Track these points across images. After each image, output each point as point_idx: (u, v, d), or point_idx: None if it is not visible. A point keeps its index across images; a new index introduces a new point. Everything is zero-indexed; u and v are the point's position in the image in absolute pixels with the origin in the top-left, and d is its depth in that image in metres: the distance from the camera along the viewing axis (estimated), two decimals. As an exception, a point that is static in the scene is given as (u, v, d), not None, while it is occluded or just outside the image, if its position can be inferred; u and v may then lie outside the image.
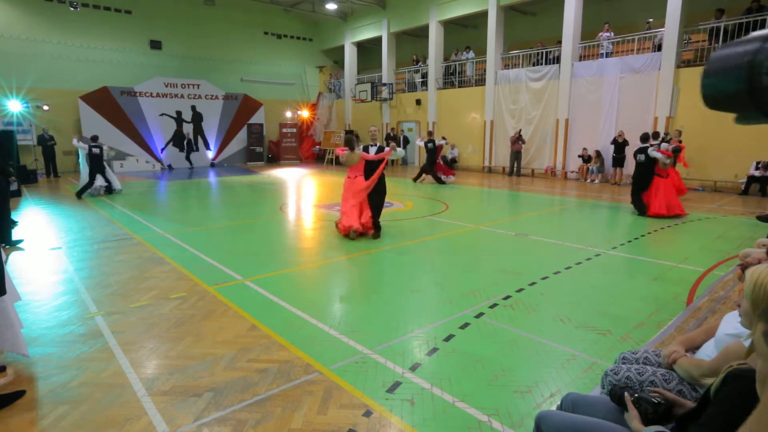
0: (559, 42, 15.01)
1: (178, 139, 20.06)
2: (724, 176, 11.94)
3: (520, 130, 15.82)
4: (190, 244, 6.65)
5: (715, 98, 1.18)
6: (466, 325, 3.82)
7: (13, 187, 8.98)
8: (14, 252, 6.27)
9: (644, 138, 8.90)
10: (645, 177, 8.77)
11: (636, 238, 6.90)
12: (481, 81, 17.57)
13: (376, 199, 6.96)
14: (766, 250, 3.30)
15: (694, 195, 11.41)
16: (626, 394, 1.66)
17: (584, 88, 14.41)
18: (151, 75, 19.22)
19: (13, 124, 15.88)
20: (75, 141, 12.12)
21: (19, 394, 2.77)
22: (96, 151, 11.13)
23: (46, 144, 15.97)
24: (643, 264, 5.66)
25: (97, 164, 11.23)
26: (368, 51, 23.99)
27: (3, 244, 6.41)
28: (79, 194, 11.17)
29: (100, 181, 11.53)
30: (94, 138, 11.38)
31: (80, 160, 12.24)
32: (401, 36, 21.27)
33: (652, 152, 8.59)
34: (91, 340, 3.59)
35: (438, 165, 13.97)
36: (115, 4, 18.42)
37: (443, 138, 14.57)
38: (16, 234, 6.98)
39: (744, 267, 2.96)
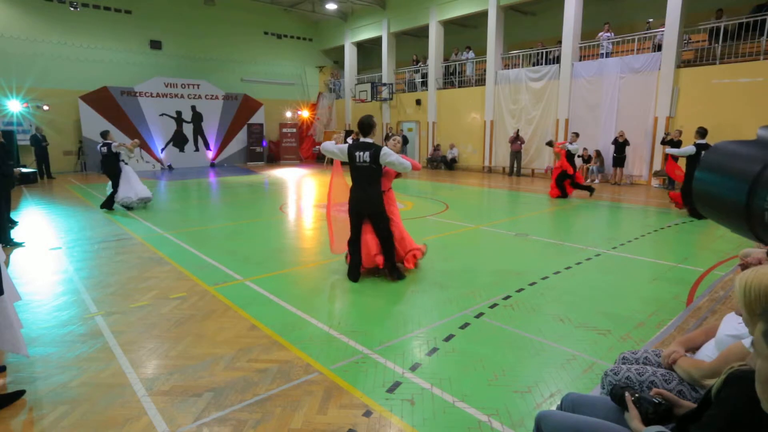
0: (559, 42, 15.01)
1: (178, 139, 20.09)
2: (724, 176, 11.94)
3: (518, 129, 15.84)
4: (190, 244, 6.65)
5: (705, 198, 0.95)
6: (466, 325, 3.82)
7: (27, 169, 8.30)
8: (14, 252, 6.27)
9: (704, 133, 8.80)
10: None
11: (636, 238, 6.89)
12: (481, 81, 17.56)
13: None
14: (767, 250, 3.30)
15: (694, 195, 11.40)
16: (627, 393, 1.66)
17: (584, 88, 14.41)
18: (151, 75, 19.22)
19: (13, 124, 15.87)
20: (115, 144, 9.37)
21: (19, 394, 2.77)
22: (104, 150, 9.23)
23: (39, 144, 15.46)
24: (643, 264, 5.66)
25: (108, 167, 9.36)
26: (368, 51, 23.98)
27: (2, 244, 6.41)
28: (105, 205, 9.50)
29: (125, 191, 9.26)
30: (104, 134, 9.46)
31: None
32: (401, 36, 21.25)
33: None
34: (91, 340, 3.59)
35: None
36: (115, 4, 18.41)
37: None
38: (17, 235, 6.97)
39: (744, 267, 2.96)
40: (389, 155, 4.61)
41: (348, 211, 4.98)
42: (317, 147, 23.63)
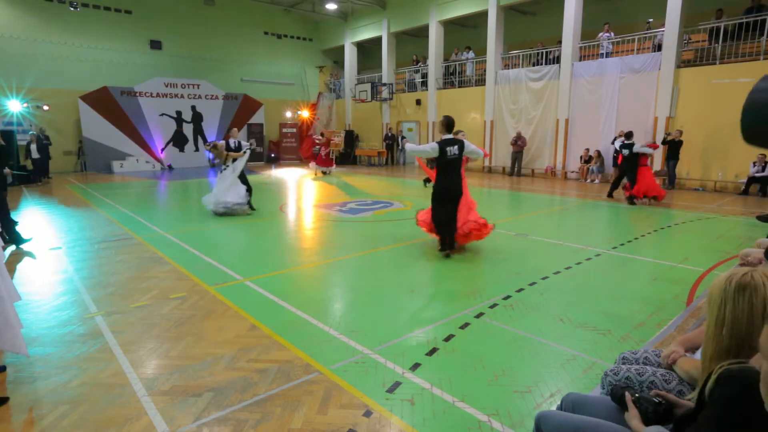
0: (559, 42, 15.01)
1: (178, 139, 20.10)
2: (724, 176, 11.94)
3: (520, 132, 15.82)
4: (190, 244, 6.65)
5: (755, 132, 1.04)
6: (466, 325, 3.82)
7: (9, 180, 8.41)
8: (14, 252, 6.26)
9: (629, 135, 10.35)
10: (633, 167, 9.94)
11: (636, 238, 6.89)
12: (481, 81, 17.57)
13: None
14: (765, 250, 3.30)
15: (694, 195, 11.41)
16: (627, 393, 1.66)
17: (584, 88, 14.41)
18: (151, 75, 19.21)
19: (13, 124, 15.85)
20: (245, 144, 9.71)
21: (2, 401, 2.73)
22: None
23: (41, 144, 15.25)
24: (643, 264, 5.66)
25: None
26: (368, 51, 23.98)
27: (11, 244, 6.42)
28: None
29: (230, 196, 8.70)
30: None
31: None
32: (401, 36, 21.25)
33: (641, 147, 9.86)
34: (91, 340, 3.59)
35: (318, 158, 16.98)
36: (115, 4, 18.41)
37: (322, 135, 17.47)
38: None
39: (744, 266, 2.96)
40: (470, 145, 5.89)
41: (438, 198, 5.87)
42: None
